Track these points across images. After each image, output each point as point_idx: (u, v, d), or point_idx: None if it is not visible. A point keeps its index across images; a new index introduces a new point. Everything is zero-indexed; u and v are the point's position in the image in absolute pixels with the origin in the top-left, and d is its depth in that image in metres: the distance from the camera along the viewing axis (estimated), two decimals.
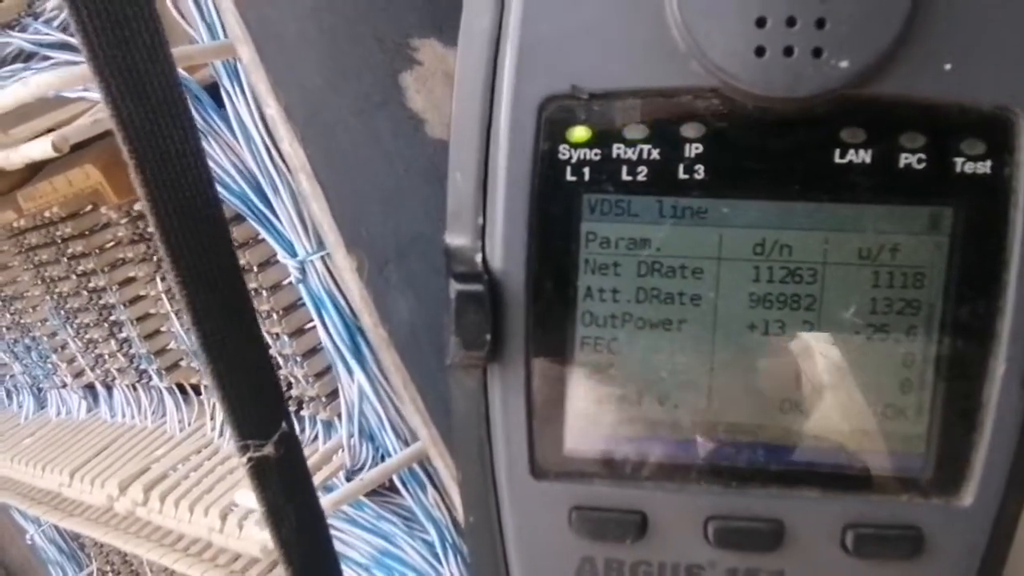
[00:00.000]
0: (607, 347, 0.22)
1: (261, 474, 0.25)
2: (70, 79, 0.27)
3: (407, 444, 0.40)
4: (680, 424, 0.22)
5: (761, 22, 0.19)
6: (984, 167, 0.20)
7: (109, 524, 0.61)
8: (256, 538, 0.40)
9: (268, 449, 0.25)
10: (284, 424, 0.26)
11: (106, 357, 0.60)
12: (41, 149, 0.29)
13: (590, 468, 0.22)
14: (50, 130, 0.35)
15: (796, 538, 0.22)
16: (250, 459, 0.25)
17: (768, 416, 0.22)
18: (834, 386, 0.22)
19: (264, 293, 0.41)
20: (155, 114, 0.24)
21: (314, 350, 0.43)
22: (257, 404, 0.25)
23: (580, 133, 0.21)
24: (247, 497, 0.38)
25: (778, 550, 0.22)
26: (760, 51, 0.19)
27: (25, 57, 0.45)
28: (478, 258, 0.22)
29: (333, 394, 0.44)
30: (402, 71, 0.27)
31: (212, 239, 0.25)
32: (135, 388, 0.61)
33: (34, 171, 0.71)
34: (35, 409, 0.76)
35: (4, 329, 0.71)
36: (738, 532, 0.22)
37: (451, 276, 0.21)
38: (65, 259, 0.55)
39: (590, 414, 0.22)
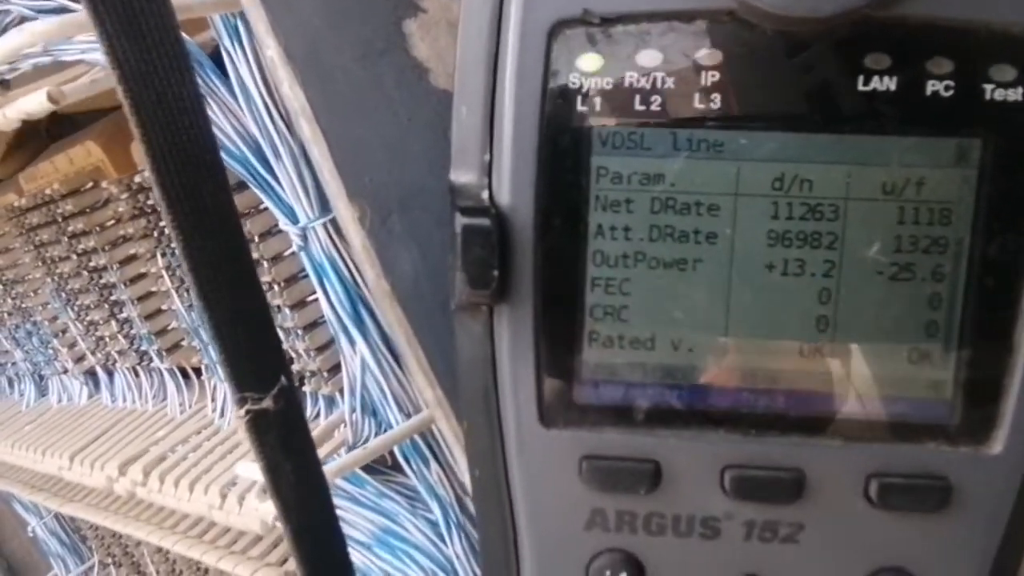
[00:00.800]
0: (619, 288, 0.21)
1: (259, 428, 0.24)
2: (67, 26, 0.27)
3: (410, 418, 0.39)
4: (695, 369, 0.21)
5: None
6: (1015, 94, 0.19)
7: (109, 509, 0.60)
8: (256, 513, 0.39)
9: (267, 403, 0.24)
10: (283, 378, 0.25)
11: (107, 339, 0.59)
12: (36, 102, 0.28)
13: (601, 415, 0.21)
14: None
15: (817, 488, 0.21)
16: (248, 411, 0.24)
17: (787, 361, 0.21)
18: (856, 329, 0.21)
19: (265, 264, 0.40)
20: (151, 54, 0.24)
21: (315, 323, 0.42)
22: (256, 356, 0.24)
23: (591, 60, 0.20)
24: (249, 468, 0.37)
25: (798, 501, 0.21)
26: None
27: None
28: (484, 195, 0.21)
29: (334, 369, 0.43)
30: (406, 18, 0.27)
31: (209, 184, 0.24)
32: (136, 372, 0.60)
33: (35, 154, 0.71)
34: (36, 396, 0.75)
35: (5, 315, 0.71)
36: (756, 482, 0.21)
37: (457, 210, 0.20)
38: (66, 238, 0.55)
39: (601, 358, 0.21)
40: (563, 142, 0.20)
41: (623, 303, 0.21)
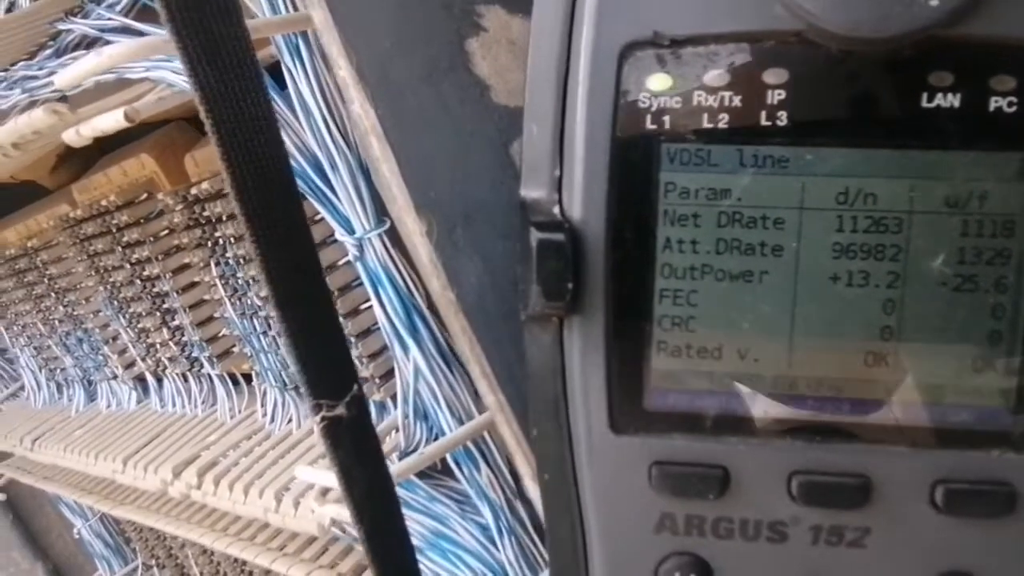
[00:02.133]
0: (687, 299, 0.22)
1: (334, 434, 0.25)
2: (141, 49, 0.28)
3: (462, 423, 0.40)
4: (762, 377, 0.22)
5: None
6: None
7: (160, 511, 0.62)
8: (313, 516, 0.40)
9: (340, 410, 0.25)
10: (355, 386, 0.26)
11: (158, 346, 0.61)
12: (113, 120, 0.29)
13: (670, 422, 0.22)
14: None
15: (883, 494, 0.21)
16: (323, 419, 0.25)
17: (853, 369, 0.22)
18: (921, 338, 0.21)
19: None
20: (230, 76, 0.25)
21: (368, 331, 0.43)
22: (329, 365, 0.25)
23: (661, 80, 0.21)
24: (307, 472, 0.38)
25: (864, 507, 0.21)
26: None
27: (87, 44, 0.46)
28: (556, 210, 0.22)
29: (386, 376, 0.44)
30: (468, 37, 0.27)
31: (285, 200, 0.25)
32: (185, 377, 0.62)
33: (86, 168, 0.73)
34: (85, 402, 0.77)
35: (57, 322, 0.73)
36: (823, 487, 0.21)
37: (531, 225, 0.21)
38: (120, 248, 0.56)
39: (670, 367, 0.22)
40: (633, 159, 0.21)
41: (690, 314, 0.22)
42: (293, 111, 0.36)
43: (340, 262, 0.42)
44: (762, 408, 0.22)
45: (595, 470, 0.23)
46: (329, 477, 0.36)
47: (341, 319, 0.43)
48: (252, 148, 0.25)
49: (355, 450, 0.26)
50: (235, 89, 0.25)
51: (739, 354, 0.22)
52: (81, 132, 0.31)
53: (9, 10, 0.53)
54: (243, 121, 0.25)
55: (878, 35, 0.19)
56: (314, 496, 0.37)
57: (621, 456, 0.22)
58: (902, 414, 0.21)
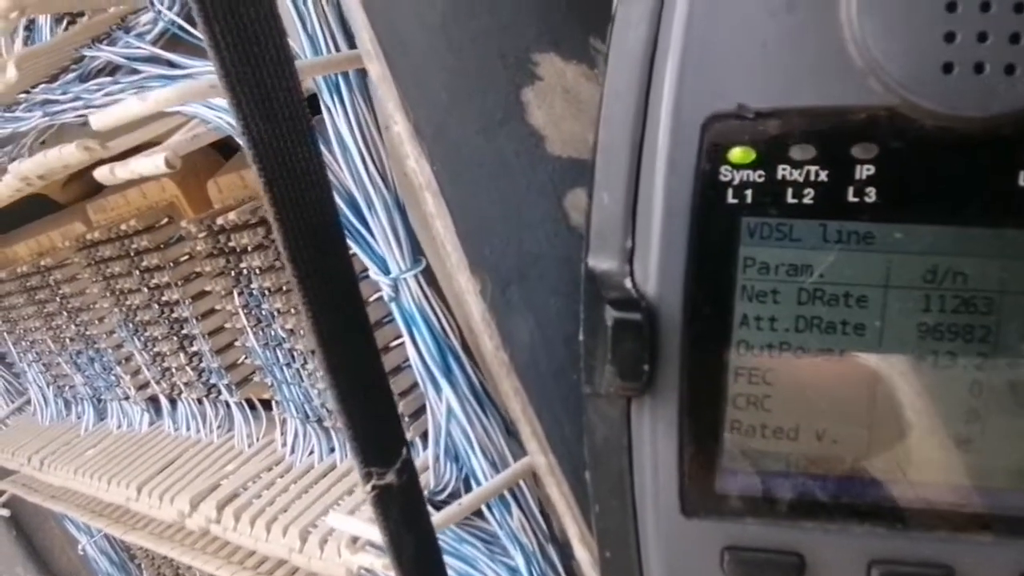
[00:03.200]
0: (763, 378, 0.21)
1: (384, 502, 0.24)
2: (186, 94, 0.27)
3: (495, 466, 0.39)
4: (841, 460, 0.21)
5: (950, 37, 0.18)
6: None
7: (173, 539, 0.61)
8: (340, 560, 0.39)
9: (390, 477, 0.24)
10: (404, 450, 0.25)
11: (174, 370, 0.60)
12: (153, 165, 0.28)
13: (744, 506, 0.21)
14: (146, 145, 0.35)
15: None
16: (374, 487, 0.24)
17: (935, 454, 0.21)
18: (1007, 423, 0.20)
19: None
20: (282, 131, 0.24)
21: (399, 368, 0.42)
22: (380, 430, 0.25)
23: (744, 153, 0.20)
24: (337, 520, 0.37)
25: None
26: (948, 67, 0.18)
27: (111, 70, 0.45)
28: (627, 283, 0.21)
29: (416, 413, 0.43)
30: (523, 87, 0.27)
31: (336, 259, 0.24)
32: (201, 402, 0.61)
33: (98, 184, 0.72)
34: (95, 420, 0.76)
35: (68, 340, 0.72)
36: None
37: (606, 303, 0.20)
38: (138, 272, 0.55)
39: (745, 449, 0.21)
40: (713, 233, 0.20)
41: (766, 392, 0.21)
42: (330, 148, 0.35)
43: (371, 298, 0.41)
44: (840, 492, 0.21)
45: (663, 553, 0.22)
46: (362, 527, 0.35)
47: None
48: (304, 206, 0.24)
49: (404, 517, 0.25)
50: (287, 143, 0.24)
51: (816, 436, 0.21)
52: (117, 173, 0.30)
53: (28, 28, 0.52)
54: (295, 176, 0.24)
55: (980, 114, 0.18)
56: (345, 543, 0.36)
57: (691, 540, 0.21)
58: (987, 502, 0.21)
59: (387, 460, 0.24)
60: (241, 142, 0.24)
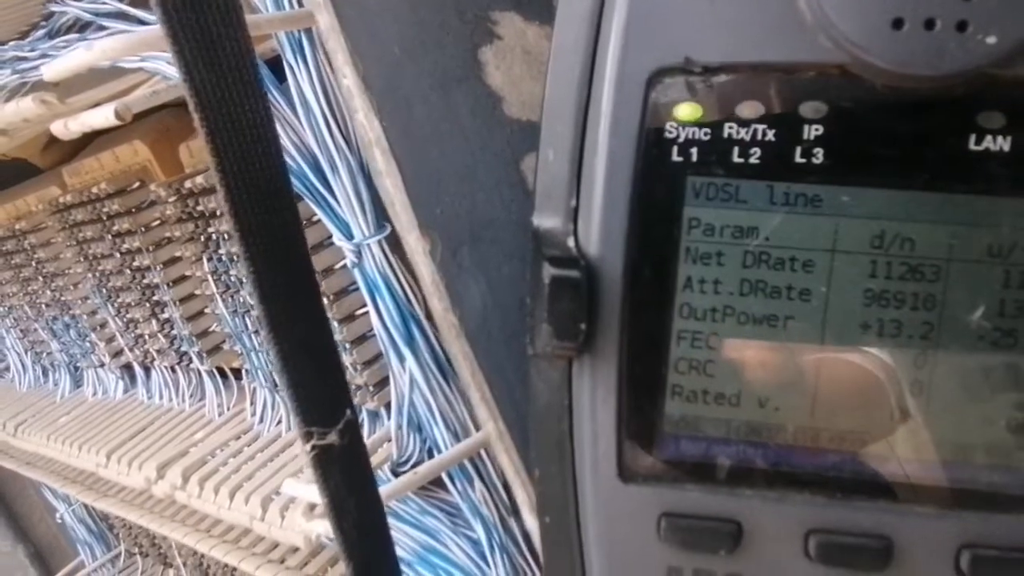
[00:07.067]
0: (706, 343, 0.20)
1: (324, 464, 0.24)
2: (135, 44, 0.26)
3: (457, 437, 0.38)
4: (782, 428, 0.21)
5: None
6: None
7: (144, 507, 0.61)
8: (299, 528, 0.39)
9: (332, 437, 0.24)
10: (348, 411, 0.25)
11: (146, 338, 0.59)
12: (103, 117, 0.28)
13: (682, 472, 0.21)
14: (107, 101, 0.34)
15: (906, 558, 0.20)
16: (314, 447, 0.23)
17: (878, 424, 0.20)
18: (953, 394, 0.20)
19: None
20: (227, 81, 0.23)
21: (363, 337, 0.42)
22: (322, 389, 0.24)
23: (690, 110, 0.19)
24: (293, 487, 0.37)
25: (885, 570, 0.20)
26: (898, 23, 0.17)
27: (80, 27, 0.44)
28: (570, 242, 0.20)
29: (380, 384, 0.42)
30: (481, 45, 0.26)
31: (281, 214, 0.24)
32: (174, 370, 0.60)
33: (78, 148, 0.71)
34: (71, 388, 0.75)
35: (44, 306, 0.71)
36: (842, 548, 0.20)
37: (545, 260, 0.20)
38: (110, 236, 0.54)
39: (685, 414, 0.21)
40: (656, 192, 0.20)
41: (709, 357, 0.20)
42: (292, 108, 0.34)
43: (336, 266, 0.40)
44: (780, 460, 0.21)
45: (601, 518, 0.21)
46: (316, 492, 0.35)
47: (336, 325, 0.41)
48: (248, 159, 0.23)
49: (345, 480, 0.24)
50: (232, 94, 0.23)
51: (759, 402, 0.21)
52: (70, 127, 0.29)
53: None
54: (240, 129, 0.23)
55: (929, 72, 0.18)
56: (301, 511, 0.36)
57: (629, 505, 0.21)
58: (930, 473, 0.20)
59: (329, 420, 0.24)
60: (183, 91, 0.23)
